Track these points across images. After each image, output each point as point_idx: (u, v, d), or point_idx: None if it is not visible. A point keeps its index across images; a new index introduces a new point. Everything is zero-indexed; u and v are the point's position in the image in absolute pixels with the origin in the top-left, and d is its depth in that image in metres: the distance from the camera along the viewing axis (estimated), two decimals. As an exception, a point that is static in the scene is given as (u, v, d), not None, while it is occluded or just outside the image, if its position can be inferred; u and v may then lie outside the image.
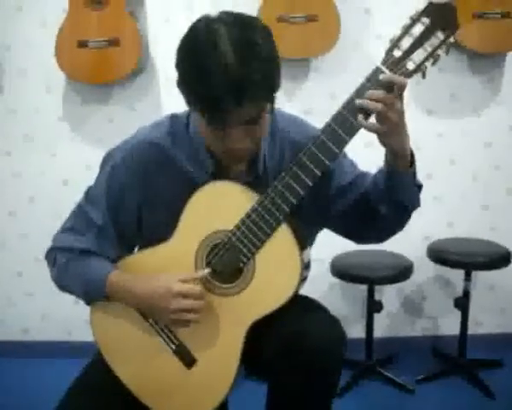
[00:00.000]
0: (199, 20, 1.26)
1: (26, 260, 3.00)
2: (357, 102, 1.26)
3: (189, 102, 1.27)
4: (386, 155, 1.36)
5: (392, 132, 1.28)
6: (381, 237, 1.59)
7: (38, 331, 3.08)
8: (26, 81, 2.92)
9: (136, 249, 1.53)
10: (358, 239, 1.58)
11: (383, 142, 1.31)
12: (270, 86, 1.23)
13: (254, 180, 1.40)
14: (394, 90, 1.24)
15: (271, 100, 1.26)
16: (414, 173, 1.40)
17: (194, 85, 1.21)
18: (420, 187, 1.45)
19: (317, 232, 1.54)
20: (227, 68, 1.17)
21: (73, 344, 2.97)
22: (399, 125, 1.28)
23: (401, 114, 1.27)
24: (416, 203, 1.47)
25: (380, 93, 1.24)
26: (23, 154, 2.98)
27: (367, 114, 1.27)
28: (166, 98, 2.91)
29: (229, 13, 1.25)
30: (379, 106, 1.24)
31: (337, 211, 1.47)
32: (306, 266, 1.39)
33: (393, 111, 1.25)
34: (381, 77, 1.25)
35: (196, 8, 2.84)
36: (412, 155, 1.37)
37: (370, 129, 1.28)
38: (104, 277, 1.41)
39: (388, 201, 1.40)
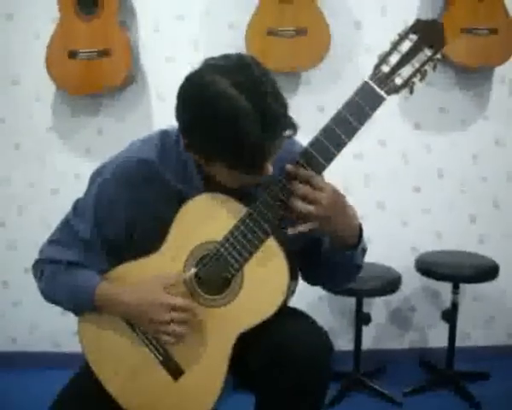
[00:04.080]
0: (195, 78, 1.24)
1: (13, 270, 2.98)
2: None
3: (210, 160, 1.28)
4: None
5: (326, 224, 1.31)
6: (317, 284, 1.60)
7: (26, 342, 3.06)
8: (16, 91, 2.92)
9: (125, 261, 1.52)
10: (308, 279, 1.56)
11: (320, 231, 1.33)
12: (287, 112, 1.25)
13: (242, 194, 1.40)
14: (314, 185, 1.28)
15: (291, 123, 1.27)
16: (354, 254, 1.40)
17: (224, 148, 1.22)
18: (359, 267, 1.47)
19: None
20: (250, 121, 1.17)
21: (61, 355, 2.96)
22: (326, 219, 1.30)
23: (326, 207, 1.28)
24: (347, 278, 1.52)
25: (306, 190, 1.27)
26: (12, 163, 2.97)
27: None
28: (156, 110, 2.92)
29: (217, 59, 1.25)
30: (306, 207, 1.27)
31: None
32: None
33: (319, 207, 1.27)
34: (287, 167, 1.28)
35: (187, 19, 2.86)
36: (361, 235, 1.39)
37: (304, 232, 1.30)
38: (92, 288, 1.41)
39: (328, 262, 1.43)
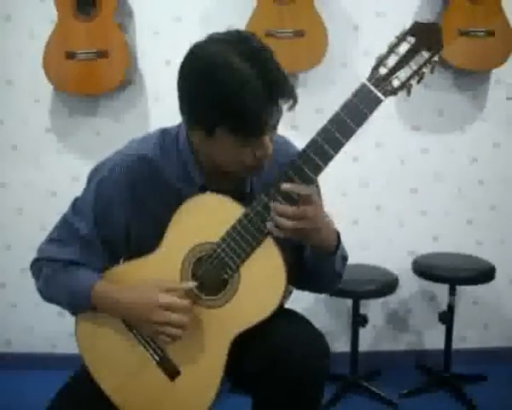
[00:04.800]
0: (199, 48, 1.29)
1: (10, 271, 2.98)
2: (268, 226, 1.30)
3: (214, 126, 1.28)
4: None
5: (307, 236, 1.33)
6: (300, 288, 1.59)
7: (22, 343, 3.06)
8: (13, 92, 2.92)
9: (122, 260, 1.52)
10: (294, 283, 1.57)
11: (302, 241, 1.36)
12: (288, 80, 1.28)
13: (240, 195, 1.40)
14: (301, 200, 1.29)
15: (293, 93, 1.29)
16: (333, 262, 1.43)
17: (226, 109, 1.24)
18: (338, 275, 1.49)
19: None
20: (254, 82, 1.22)
21: (57, 357, 2.95)
22: (314, 229, 1.32)
23: (313, 219, 1.30)
24: (328, 286, 1.54)
25: (288, 210, 1.28)
26: (9, 164, 2.97)
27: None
28: (154, 111, 2.92)
29: (220, 33, 1.30)
30: (289, 224, 1.28)
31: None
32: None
33: (305, 221, 1.29)
34: (283, 187, 1.29)
35: (185, 21, 2.86)
36: (339, 242, 1.42)
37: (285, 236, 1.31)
38: (89, 287, 1.41)
39: (309, 268, 1.45)
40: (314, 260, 1.42)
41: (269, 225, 1.31)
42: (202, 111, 1.28)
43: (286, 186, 1.29)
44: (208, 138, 1.31)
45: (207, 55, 1.26)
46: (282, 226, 1.29)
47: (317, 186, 1.51)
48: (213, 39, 1.29)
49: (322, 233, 1.35)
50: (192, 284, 1.37)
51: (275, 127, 1.32)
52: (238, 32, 1.30)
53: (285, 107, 1.29)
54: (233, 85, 1.22)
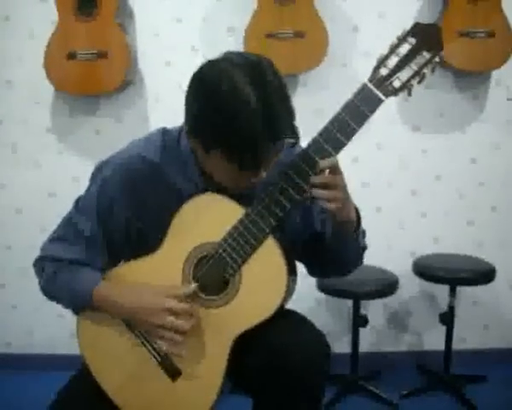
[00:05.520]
0: (210, 67, 1.27)
1: (9, 272, 2.98)
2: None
3: (211, 149, 1.28)
4: (331, 220, 1.41)
5: (340, 208, 1.34)
6: (326, 275, 1.64)
7: (22, 344, 3.05)
8: (13, 92, 2.92)
9: (124, 260, 1.52)
10: (315, 273, 1.62)
11: (333, 216, 1.36)
12: (293, 119, 1.29)
13: (240, 195, 1.40)
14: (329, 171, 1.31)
15: (296, 133, 1.29)
16: (357, 236, 1.45)
17: (225, 140, 1.23)
18: (363, 248, 1.51)
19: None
20: (259, 121, 1.20)
21: (57, 358, 2.95)
22: (345, 200, 1.35)
23: (344, 188, 1.34)
24: (356, 261, 1.54)
25: (322, 178, 1.30)
26: (9, 165, 2.97)
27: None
28: (154, 111, 2.92)
29: (236, 57, 1.27)
30: (325, 193, 1.30)
31: (303, 237, 1.51)
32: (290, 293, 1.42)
33: (338, 191, 1.32)
34: (319, 164, 1.30)
35: (185, 22, 2.86)
36: (358, 217, 1.44)
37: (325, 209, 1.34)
38: (91, 287, 1.41)
39: (332, 249, 1.46)
40: (339, 237, 1.42)
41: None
42: (201, 131, 1.28)
43: (322, 163, 1.29)
44: (204, 153, 1.31)
45: (217, 79, 1.23)
46: (321, 196, 1.30)
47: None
48: (228, 60, 1.26)
49: (350, 204, 1.38)
50: (193, 286, 1.37)
51: (274, 158, 1.30)
52: (256, 59, 1.27)
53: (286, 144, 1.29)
54: (234, 118, 1.20)
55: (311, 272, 1.59)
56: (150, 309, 1.35)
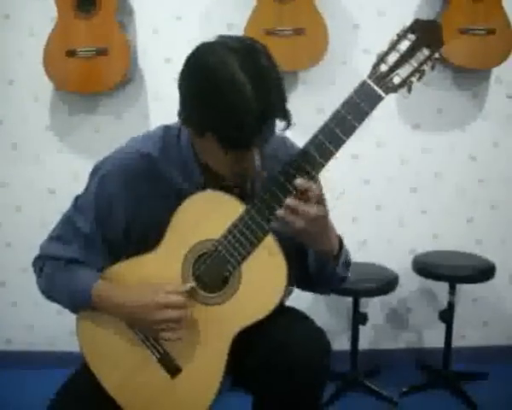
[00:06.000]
0: (204, 49, 1.26)
1: (10, 269, 2.98)
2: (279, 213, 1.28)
3: (204, 131, 1.27)
4: None
5: (314, 238, 1.31)
6: (299, 286, 1.57)
7: (22, 342, 3.06)
8: (13, 90, 2.91)
9: (123, 258, 1.52)
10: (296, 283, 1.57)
11: (304, 243, 1.34)
12: (285, 103, 1.27)
13: (240, 192, 1.40)
14: (309, 197, 1.27)
15: (287, 117, 1.28)
16: (336, 266, 1.42)
17: (216, 118, 1.23)
18: (343, 279, 1.48)
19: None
20: (248, 99, 1.19)
21: (58, 355, 2.95)
22: (321, 232, 1.31)
23: (312, 221, 1.27)
24: (327, 289, 1.54)
25: (290, 201, 1.27)
26: (9, 163, 2.97)
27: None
28: (154, 109, 2.92)
29: (230, 39, 1.27)
30: (281, 213, 1.28)
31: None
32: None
33: (302, 219, 1.27)
34: (297, 182, 1.27)
35: (185, 20, 2.86)
36: (342, 247, 1.41)
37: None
38: (90, 287, 1.41)
39: (312, 268, 1.43)
40: (317, 263, 1.41)
41: (274, 222, 1.29)
42: (193, 112, 1.28)
43: (299, 182, 1.27)
44: (198, 137, 1.31)
45: (210, 61, 1.24)
46: (292, 225, 1.28)
47: (319, 184, 1.52)
48: (221, 43, 1.26)
49: (327, 236, 1.35)
50: (190, 285, 1.37)
51: (266, 141, 1.29)
52: (249, 43, 1.27)
53: (278, 128, 1.28)
54: (224, 95, 1.20)
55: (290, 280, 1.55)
56: (148, 307, 1.35)
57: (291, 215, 1.27)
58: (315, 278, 1.45)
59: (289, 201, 1.27)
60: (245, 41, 1.28)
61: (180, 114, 1.32)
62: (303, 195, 1.28)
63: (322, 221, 1.30)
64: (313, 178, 1.30)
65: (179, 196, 1.39)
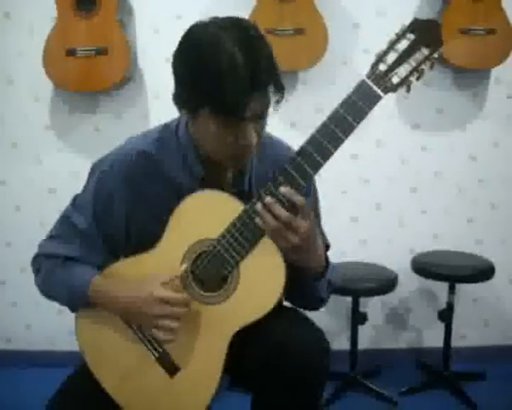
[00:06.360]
0: (195, 27, 1.29)
1: (10, 269, 2.98)
2: (257, 206, 1.27)
3: (197, 106, 1.28)
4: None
5: (294, 252, 1.30)
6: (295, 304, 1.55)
7: (22, 341, 3.06)
8: (13, 89, 2.92)
9: (122, 257, 1.52)
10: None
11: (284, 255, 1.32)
12: (277, 72, 1.27)
13: (239, 193, 1.40)
14: (296, 209, 1.27)
15: (280, 87, 1.28)
16: (318, 285, 1.42)
17: (208, 86, 1.23)
18: (322, 300, 1.49)
19: None
20: (238, 64, 1.21)
21: (57, 354, 2.95)
22: (303, 247, 1.29)
23: (304, 235, 1.27)
24: (305, 305, 1.52)
25: (281, 212, 1.26)
26: (9, 162, 2.97)
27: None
28: (154, 108, 2.92)
29: (220, 17, 1.31)
30: (274, 224, 1.26)
31: None
32: None
33: (295, 235, 1.26)
34: (281, 190, 1.27)
35: (185, 19, 2.85)
36: (327, 260, 1.41)
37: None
38: (87, 283, 1.41)
39: (294, 282, 1.39)
40: (297, 279, 1.37)
41: (257, 219, 1.29)
42: (187, 89, 1.28)
43: (284, 190, 1.27)
44: (193, 119, 1.31)
45: (200, 36, 1.27)
46: (268, 225, 1.27)
47: (314, 186, 1.52)
48: (212, 22, 1.29)
49: (309, 254, 1.33)
50: (185, 265, 1.37)
51: (260, 118, 1.29)
52: (238, 20, 1.30)
53: (272, 101, 1.28)
54: (217, 64, 1.21)
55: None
56: (144, 300, 1.35)
57: (286, 230, 1.27)
58: (295, 292, 1.42)
59: (283, 214, 1.26)
60: (233, 17, 1.31)
61: (174, 97, 1.33)
62: (290, 204, 1.27)
63: (305, 237, 1.28)
64: (311, 178, 1.30)
65: (179, 192, 1.39)
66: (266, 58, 1.25)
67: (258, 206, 1.28)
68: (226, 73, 1.20)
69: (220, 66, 1.21)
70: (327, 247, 1.52)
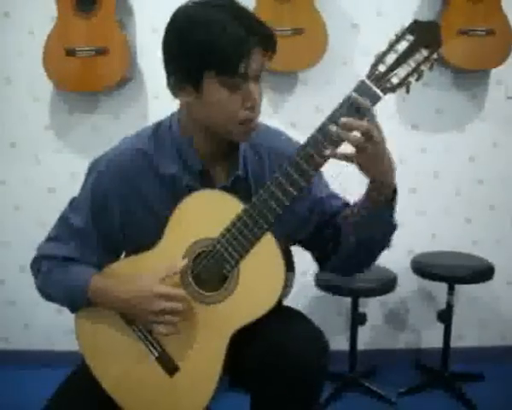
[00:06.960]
0: (178, 9, 1.34)
1: (8, 268, 2.98)
2: (333, 130, 1.25)
3: (200, 74, 1.29)
4: (368, 186, 1.37)
5: (371, 163, 1.28)
6: (346, 269, 1.53)
7: (20, 340, 3.06)
8: (12, 89, 2.91)
9: (122, 256, 1.53)
10: (325, 266, 1.54)
11: (364, 172, 1.31)
12: (266, 28, 1.32)
13: (235, 181, 1.41)
14: (365, 115, 1.26)
15: (272, 40, 1.32)
16: (393, 210, 1.39)
17: (207, 47, 1.26)
18: (395, 227, 1.43)
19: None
20: (230, 20, 1.26)
21: (56, 354, 2.95)
22: (379, 156, 1.28)
23: (379, 143, 1.27)
24: (385, 242, 1.45)
25: (356, 122, 1.25)
26: (8, 162, 2.97)
27: (336, 143, 1.26)
28: (153, 108, 2.92)
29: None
30: (357, 137, 1.25)
31: (309, 227, 1.49)
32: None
33: (371, 141, 1.25)
34: (352, 97, 1.25)
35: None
36: (395, 191, 1.37)
37: (347, 160, 1.28)
38: (86, 282, 1.41)
39: (360, 232, 1.40)
40: (371, 214, 1.36)
41: (327, 151, 1.26)
42: (186, 63, 1.30)
43: (344, 119, 1.24)
44: (198, 97, 1.32)
45: (186, 13, 1.31)
46: (354, 141, 1.24)
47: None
48: (192, 2, 1.33)
49: (386, 166, 1.30)
50: (185, 261, 1.37)
51: (258, 76, 1.32)
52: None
53: (265, 58, 1.32)
54: (211, 30, 1.25)
55: (329, 267, 1.51)
56: (142, 296, 1.35)
57: (346, 133, 1.24)
58: (365, 240, 1.39)
59: (364, 124, 1.24)
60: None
61: (173, 83, 1.34)
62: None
63: (379, 144, 1.27)
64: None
65: (175, 188, 1.39)
66: (255, 18, 1.30)
67: (333, 128, 1.25)
68: (221, 30, 1.25)
69: (214, 26, 1.25)
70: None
